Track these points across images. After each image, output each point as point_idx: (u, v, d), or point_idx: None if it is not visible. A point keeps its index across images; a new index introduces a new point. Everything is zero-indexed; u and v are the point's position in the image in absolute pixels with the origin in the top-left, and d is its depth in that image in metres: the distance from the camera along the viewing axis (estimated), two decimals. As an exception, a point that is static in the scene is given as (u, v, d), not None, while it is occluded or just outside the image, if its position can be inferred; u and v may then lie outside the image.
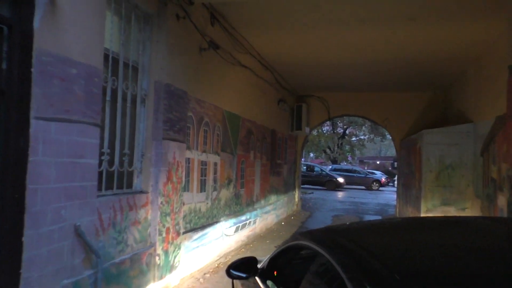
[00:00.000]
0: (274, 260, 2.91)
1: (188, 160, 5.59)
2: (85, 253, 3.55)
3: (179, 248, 5.22)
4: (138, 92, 4.62)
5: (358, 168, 32.22)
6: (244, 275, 2.92)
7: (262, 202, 9.54)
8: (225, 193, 7.09)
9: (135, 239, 4.39)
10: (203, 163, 6.19)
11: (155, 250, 4.68)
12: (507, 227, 2.45)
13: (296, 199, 13.74)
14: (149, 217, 4.66)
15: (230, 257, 6.76)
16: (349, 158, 36.51)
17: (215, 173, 6.61)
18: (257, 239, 8.66)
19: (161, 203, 4.75)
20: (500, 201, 6.33)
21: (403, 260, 1.83)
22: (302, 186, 23.78)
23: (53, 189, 3.16)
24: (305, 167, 26.12)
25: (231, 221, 7.36)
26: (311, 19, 6.36)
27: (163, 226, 4.80)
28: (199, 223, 6.01)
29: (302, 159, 15.65)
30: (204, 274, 5.85)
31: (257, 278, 2.91)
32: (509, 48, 5.55)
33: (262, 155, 9.44)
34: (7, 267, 2.81)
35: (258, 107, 9.04)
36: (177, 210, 5.11)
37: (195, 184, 5.88)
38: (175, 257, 5.10)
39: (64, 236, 3.29)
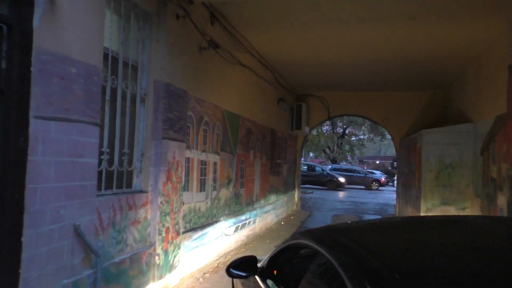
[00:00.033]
0: (274, 259, 2.91)
1: (187, 160, 5.58)
2: (85, 252, 3.54)
3: (179, 248, 5.21)
4: (137, 91, 4.61)
5: (357, 168, 32.23)
6: (244, 274, 2.92)
7: (262, 201, 9.53)
8: (225, 193, 7.08)
9: (134, 239, 4.38)
10: (203, 163, 6.18)
11: (154, 249, 4.67)
12: (506, 227, 2.45)
13: (296, 199, 13.73)
14: (148, 216, 4.65)
15: (229, 256, 6.76)
16: (349, 158, 36.52)
17: (214, 172, 6.60)
18: (256, 238, 8.66)
19: (161, 202, 4.74)
20: (500, 200, 6.33)
21: (402, 259, 1.83)
22: (303, 186, 23.80)
23: (52, 189, 3.14)
24: (306, 167, 26.11)
25: (231, 220, 7.35)
26: (311, 18, 6.35)
27: (163, 225, 4.79)
28: (198, 223, 6.00)
29: (302, 159, 15.63)
30: (204, 273, 5.84)
31: (257, 277, 2.91)
32: (509, 47, 5.54)
33: (262, 154, 9.44)
34: (7, 267, 2.80)
35: (258, 106, 9.03)
36: (176, 209, 5.10)
37: (194, 183, 5.87)
38: (174, 256, 5.09)
39: (63, 236, 3.28)
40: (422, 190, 8.43)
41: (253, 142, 8.71)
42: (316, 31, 6.99)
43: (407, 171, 10.81)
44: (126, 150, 4.40)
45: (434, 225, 2.52)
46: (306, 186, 24.26)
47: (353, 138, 34.18)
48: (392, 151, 42.83)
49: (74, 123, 3.34)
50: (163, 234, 4.81)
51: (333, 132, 30.63)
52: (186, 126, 5.43)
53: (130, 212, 4.29)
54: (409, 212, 10.13)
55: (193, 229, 5.81)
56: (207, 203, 6.31)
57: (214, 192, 6.60)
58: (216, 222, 6.68)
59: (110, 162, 4.12)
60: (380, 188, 28.04)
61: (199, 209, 6.03)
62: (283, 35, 7.27)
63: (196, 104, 5.82)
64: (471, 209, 7.87)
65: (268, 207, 10.00)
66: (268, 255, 3.02)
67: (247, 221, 8.33)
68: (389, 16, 6.17)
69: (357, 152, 36.50)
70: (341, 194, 22.16)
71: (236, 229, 7.65)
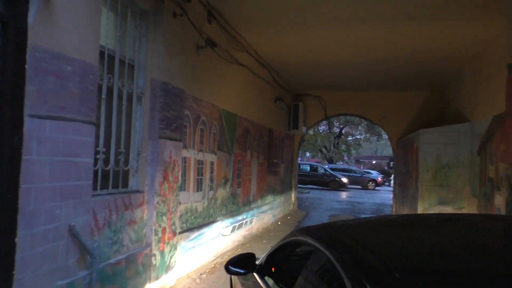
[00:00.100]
0: (272, 256, 2.93)
1: (184, 159, 5.54)
2: (80, 253, 3.49)
3: (175, 248, 5.16)
4: (134, 90, 4.56)
5: (354, 168, 32.28)
6: (242, 271, 2.94)
7: (259, 201, 9.50)
8: (222, 193, 7.04)
9: (130, 239, 4.34)
10: (200, 162, 6.14)
11: (151, 250, 4.62)
12: (503, 224, 2.45)
13: (293, 199, 13.71)
14: (145, 216, 4.60)
15: (226, 257, 6.71)
16: (345, 158, 36.55)
17: (211, 172, 6.56)
18: (253, 239, 8.62)
19: (157, 202, 4.69)
20: (497, 200, 6.33)
21: (400, 256, 1.84)
22: (305, 186, 23.81)
23: (47, 189, 3.10)
24: (308, 167, 26.06)
25: (228, 220, 7.31)
26: (309, 17, 6.32)
27: (159, 226, 4.75)
28: (195, 223, 5.96)
29: (299, 159, 15.61)
30: (201, 274, 5.80)
31: (255, 274, 2.93)
32: (508, 46, 5.53)
33: (259, 154, 9.40)
34: (0, 268, 2.75)
35: (255, 105, 8.99)
36: (173, 209, 5.06)
37: (191, 183, 5.83)
38: (171, 257, 5.04)
39: (58, 236, 3.23)
40: (419, 189, 8.43)
41: (250, 142, 8.67)
42: (314, 31, 6.97)
43: (404, 171, 10.82)
44: (122, 149, 4.35)
45: (431, 223, 2.53)
46: (309, 186, 24.23)
47: (349, 138, 34.22)
48: (388, 151, 42.93)
49: (69, 122, 3.29)
50: (160, 235, 4.76)
51: (330, 132, 30.65)
52: (183, 125, 5.39)
53: (126, 212, 4.24)
54: (406, 211, 10.12)
55: (190, 229, 5.77)
56: (204, 203, 6.27)
57: (211, 192, 6.56)
58: (213, 222, 6.64)
59: (106, 161, 4.07)
60: (377, 188, 28.08)
61: (196, 209, 5.99)
62: (281, 34, 7.24)
63: (193, 103, 5.78)
64: (468, 209, 7.87)
65: (265, 207, 9.97)
66: (267, 252, 3.03)
67: (244, 221, 8.29)
68: (387, 16, 6.15)
69: (353, 152, 36.53)
70: (338, 194, 22.15)
71: (233, 229, 7.61)
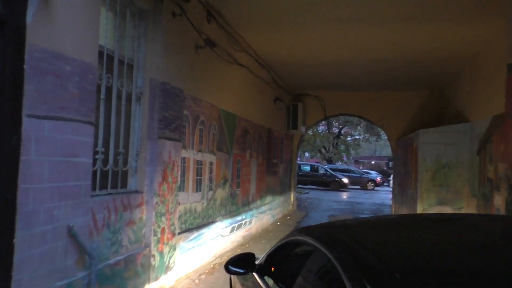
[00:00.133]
0: (272, 256, 2.93)
1: (183, 160, 5.53)
2: (79, 254, 3.48)
3: (174, 249, 5.15)
4: (133, 90, 4.54)
5: (353, 168, 32.30)
6: (242, 271, 2.95)
7: (258, 202, 9.48)
8: (221, 193, 7.02)
9: (129, 240, 4.32)
10: (199, 163, 6.12)
11: (150, 251, 4.61)
12: (502, 224, 2.45)
13: (292, 199, 13.69)
14: (144, 217, 4.59)
15: (225, 257, 6.70)
16: (344, 158, 36.58)
17: (210, 172, 6.55)
18: (252, 239, 8.61)
19: (156, 203, 4.68)
20: (496, 200, 6.32)
21: (399, 256, 1.84)
22: (306, 187, 23.76)
23: (46, 189, 3.08)
24: (309, 167, 26.01)
25: (227, 221, 7.30)
26: (309, 17, 6.31)
27: (158, 226, 4.73)
28: (194, 224, 5.95)
29: (298, 159, 15.60)
30: (200, 275, 5.79)
31: (255, 274, 2.94)
32: (507, 46, 5.53)
33: (258, 154, 9.39)
34: (-2, 269, 2.74)
35: (255, 105, 8.98)
36: (172, 210, 5.04)
37: (190, 183, 5.82)
38: (170, 258, 5.03)
39: (57, 237, 3.21)
40: (418, 190, 8.42)
41: (250, 142, 8.66)
42: (314, 31, 6.96)
43: (403, 171, 10.81)
44: (121, 149, 4.33)
45: (431, 223, 2.53)
46: (310, 187, 24.19)
47: (348, 138, 34.22)
48: (387, 151, 42.95)
49: (68, 122, 3.27)
50: (159, 235, 4.75)
51: (329, 132, 30.65)
52: (182, 126, 5.37)
53: (125, 213, 4.22)
54: (405, 212, 10.11)
55: (189, 230, 5.75)
56: (203, 203, 6.25)
57: (210, 193, 6.54)
58: (212, 222, 6.62)
59: (105, 161, 4.05)
60: (376, 188, 28.09)
61: (195, 209, 5.97)
62: (280, 34, 7.23)
63: (192, 103, 5.76)
64: (467, 209, 7.87)
65: (264, 208, 9.95)
66: (266, 252, 3.03)
67: (243, 222, 8.28)
68: (386, 16, 6.14)
69: (352, 152, 36.55)
70: (338, 194, 22.13)
71: (232, 230, 7.60)
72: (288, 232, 3.18)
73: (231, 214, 7.56)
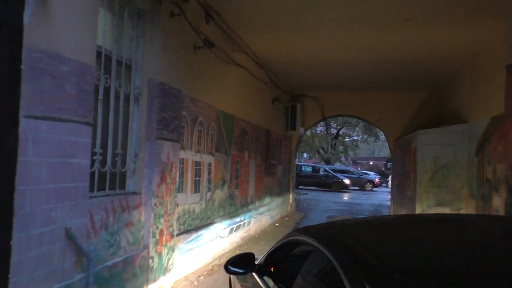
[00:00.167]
0: (271, 256, 2.94)
1: (182, 161, 5.50)
2: (76, 256, 3.45)
3: (173, 250, 5.12)
4: (131, 91, 4.52)
5: (351, 169, 32.27)
6: (241, 271, 2.95)
7: (257, 203, 9.46)
8: (220, 194, 7.00)
9: (128, 242, 4.29)
10: (197, 164, 6.10)
11: (148, 252, 4.58)
12: (501, 224, 2.46)
13: (290, 200, 13.68)
14: (142, 218, 4.56)
15: (224, 259, 6.67)
16: (343, 159, 36.59)
17: (209, 173, 6.53)
18: (251, 240, 8.59)
19: (155, 204, 4.65)
20: (495, 201, 6.32)
21: (400, 256, 1.83)
22: (307, 188, 23.70)
23: (43, 190, 3.05)
24: (310, 168, 25.96)
25: (226, 222, 7.28)
26: (307, 18, 6.30)
27: (157, 228, 4.71)
28: (193, 225, 5.92)
29: (296, 160, 15.59)
30: (198, 276, 5.76)
31: (254, 274, 2.94)
32: (507, 47, 5.51)
33: (257, 155, 9.37)
34: (-5, 272, 2.71)
35: (253, 106, 8.96)
36: (171, 211, 5.02)
37: (189, 185, 5.79)
38: (168, 259, 5.00)
39: (54, 239, 3.18)
40: (417, 191, 8.42)
41: (248, 143, 8.64)
42: (312, 32, 6.95)
43: (401, 172, 10.81)
44: (119, 150, 4.31)
45: (430, 223, 2.53)
46: (311, 188, 24.14)
47: (347, 139, 34.26)
48: (385, 152, 42.99)
49: (66, 122, 3.24)
50: (157, 237, 4.72)
51: (327, 133, 30.65)
52: (181, 126, 5.35)
53: (123, 214, 4.19)
54: (404, 212, 10.11)
55: (188, 231, 5.73)
56: (201, 204, 6.23)
57: (209, 194, 6.52)
58: (211, 224, 6.60)
59: (103, 163, 4.02)
60: (374, 189, 28.10)
61: (194, 210, 5.95)
62: (278, 35, 7.22)
63: (190, 104, 5.74)
64: (466, 210, 7.87)
65: (262, 209, 9.93)
66: (266, 252, 3.04)
67: (242, 223, 8.25)
68: (385, 17, 6.14)
69: (351, 153, 36.60)
70: (336, 195, 22.11)
71: (231, 231, 7.57)
72: (286, 233, 3.19)
73: (230, 215, 7.54)
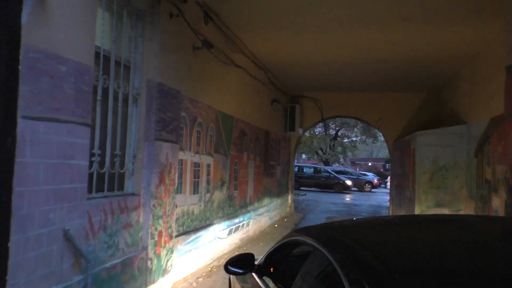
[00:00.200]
0: (271, 257, 2.95)
1: (181, 162, 5.48)
2: (75, 257, 3.43)
3: (172, 252, 5.10)
4: (130, 91, 4.50)
5: (350, 170, 32.27)
6: (241, 271, 2.97)
7: (256, 204, 9.44)
8: (218, 195, 6.98)
9: (126, 243, 4.27)
10: (196, 165, 6.08)
11: (147, 254, 4.55)
12: (500, 225, 2.46)
13: (289, 201, 13.66)
14: (141, 220, 4.54)
15: (223, 260, 6.65)
16: (341, 160, 36.57)
17: (208, 174, 6.51)
18: (250, 241, 8.57)
19: (153, 205, 4.63)
20: (494, 202, 6.31)
21: (399, 256, 1.83)
22: (308, 189, 23.65)
23: (41, 192, 3.03)
24: (312, 169, 25.92)
25: (225, 223, 7.25)
26: (306, 19, 6.28)
27: (156, 229, 4.68)
28: (192, 226, 5.90)
29: (295, 161, 15.59)
30: (197, 278, 5.74)
31: (254, 274, 2.95)
32: (506, 48, 5.51)
33: (256, 156, 9.35)
34: (-8, 274, 2.69)
35: (252, 107, 8.95)
36: (169, 212, 5.00)
37: (188, 186, 5.77)
38: (167, 261, 4.98)
39: (52, 241, 3.16)
40: (416, 192, 8.41)
41: (247, 144, 8.62)
42: (312, 32, 6.93)
43: (400, 173, 10.80)
44: (118, 151, 4.28)
45: (430, 223, 2.53)
46: (313, 189, 24.10)
47: (345, 140, 34.25)
48: (384, 153, 43.04)
49: (64, 123, 3.22)
50: (156, 238, 4.70)
51: (326, 134, 30.63)
52: (180, 127, 5.33)
53: (121, 216, 4.17)
54: (403, 214, 10.10)
55: (186, 233, 5.70)
56: (200, 205, 6.21)
57: (208, 195, 6.50)
58: (210, 225, 6.58)
59: (101, 164, 4.00)
60: (373, 190, 28.09)
61: (193, 212, 5.93)
62: (278, 35, 7.20)
63: (189, 105, 5.72)
64: (465, 211, 7.87)
65: (261, 210, 9.91)
66: (266, 252, 3.05)
67: (241, 224, 8.23)
68: (384, 17, 6.13)
69: (349, 154, 36.58)
70: (335, 196, 22.09)
71: (230, 232, 7.55)
72: (285, 234, 3.21)
73: (229, 216, 7.52)
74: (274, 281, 2.83)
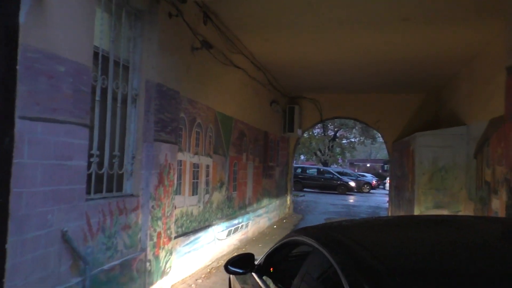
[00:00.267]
0: (271, 257, 2.97)
1: (180, 163, 5.46)
2: (73, 259, 3.39)
3: (171, 253, 5.07)
4: (128, 92, 4.47)
5: (349, 171, 32.27)
6: (241, 271, 2.99)
7: (255, 205, 9.42)
8: (218, 196, 6.95)
9: (125, 245, 4.24)
10: (195, 166, 6.05)
11: (145, 255, 4.52)
12: (500, 226, 2.47)
13: (288, 202, 13.64)
14: (139, 221, 4.51)
15: (222, 261, 6.62)
16: (340, 161, 36.56)
17: (207, 175, 6.48)
18: (249, 243, 8.54)
19: (152, 207, 4.60)
20: (494, 204, 6.29)
21: (398, 257, 1.83)
22: (312, 190, 23.59)
23: (39, 193, 3.00)
24: (315, 171, 25.86)
25: (224, 224, 7.23)
26: (305, 20, 6.27)
27: (154, 230, 4.65)
28: (191, 227, 5.87)
29: (294, 162, 15.57)
30: (196, 279, 5.71)
31: (254, 274, 2.97)
32: (506, 48, 5.50)
33: (255, 157, 9.33)
34: (-11, 276, 2.66)
35: (251, 108, 8.93)
36: (168, 214, 4.96)
37: (187, 187, 5.74)
38: (166, 262, 4.95)
39: (50, 242, 3.13)
40: (415, 193, 8.39)
41: (246, 145, 8.60)
42: (311, 32, 6.91)
43: (399, 174, 10.78)
44: (116, 152, 4.25)
45: (429, 224, 2.54)
46: (316, 191, 24.04)
47: (344, 141, 34.22)
48: (382, 154, 43.06)
49: (62, 124, 3.19)
50: (155, 239, 4.67)
51: (324, 135, 30.62)
52: (179, 128, 5.31)
53: (120, 217, 4.14)
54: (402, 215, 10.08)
55: (185, 234, 5.67)
56: (199, 207, 6.18)
57: (207, 196, 6.47)
58: (209, 226, 6.55)
59: (100, 164, 3.97)
60: (371, 191, 28.08)
61: (192, 213, 5.90)
62: (277, 35, 7.19)
63: (188, 106, 5.70)
64: (465, 213, 7.85)
65: (260, 211, 9.89)
66: (266, 252, 3.06)
67: (240, 225, 8.20)
68: (383, 19, 6.12)
69: (348, 155, 36.53)
70: (334, 197, 22.06)
71: (229, 233, 7.52)
72: (285, 235, 3.22)
73: (228, 217, 7.49)
74: (274, 281, 2.85)
